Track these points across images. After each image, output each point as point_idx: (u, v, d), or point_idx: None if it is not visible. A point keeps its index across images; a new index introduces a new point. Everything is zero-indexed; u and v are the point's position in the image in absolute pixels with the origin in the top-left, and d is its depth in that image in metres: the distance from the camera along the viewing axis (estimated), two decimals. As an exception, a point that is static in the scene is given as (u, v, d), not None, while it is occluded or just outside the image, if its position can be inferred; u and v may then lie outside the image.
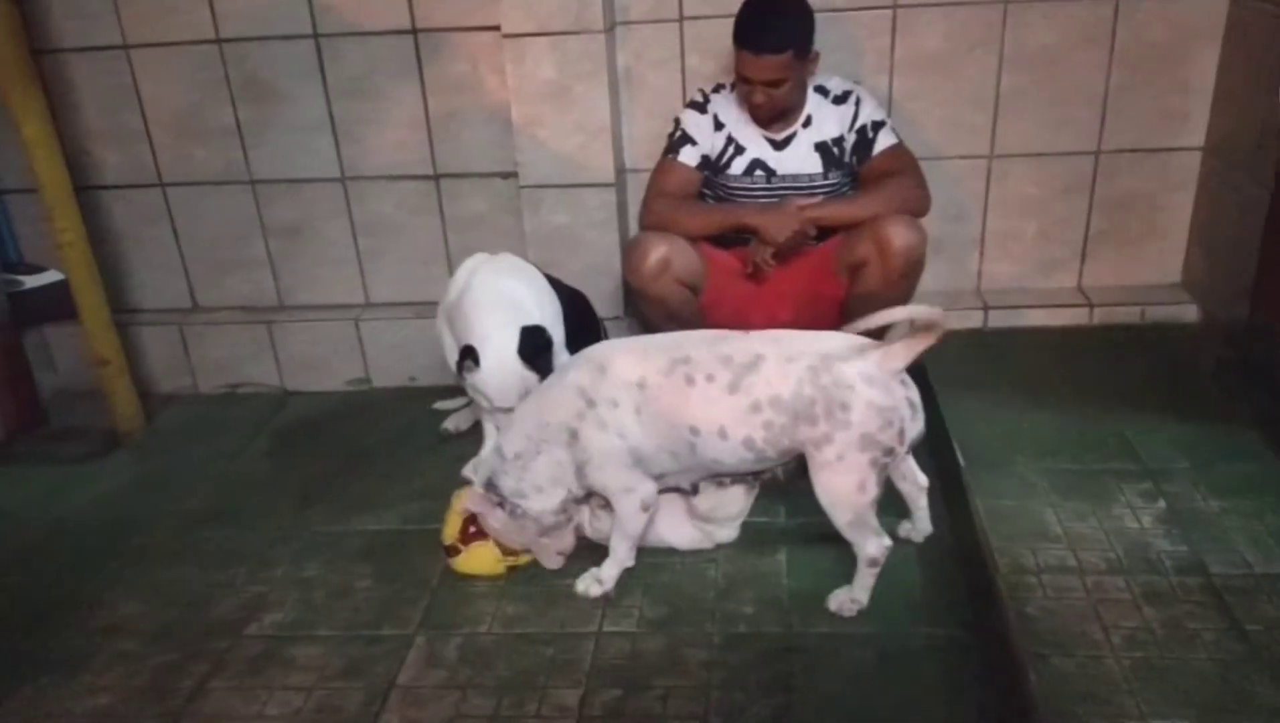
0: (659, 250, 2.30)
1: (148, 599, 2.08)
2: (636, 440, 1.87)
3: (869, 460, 1.74)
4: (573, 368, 1.94)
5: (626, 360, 1.88)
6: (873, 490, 1.78)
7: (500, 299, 2.19)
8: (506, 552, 2.04)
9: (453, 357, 2.25)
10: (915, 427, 1.78)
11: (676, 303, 2.36)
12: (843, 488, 1.77)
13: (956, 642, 1.80)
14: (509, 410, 2.15)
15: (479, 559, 2.05)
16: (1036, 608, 1.68)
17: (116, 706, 1.80)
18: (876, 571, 1.86)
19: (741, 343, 1.84)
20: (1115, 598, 1.69)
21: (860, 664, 1.76)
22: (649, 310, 2.40)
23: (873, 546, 1.83)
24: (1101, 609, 1.67)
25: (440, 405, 2.74)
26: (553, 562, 2.05)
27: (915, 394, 1.79)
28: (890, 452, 1.75)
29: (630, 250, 2.35)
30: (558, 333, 2.30)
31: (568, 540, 2.05)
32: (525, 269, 2.35)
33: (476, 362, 2.11)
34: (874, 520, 1.82)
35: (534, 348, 2.13)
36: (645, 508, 1.94)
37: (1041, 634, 1.62)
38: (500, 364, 2.11)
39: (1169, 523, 1.87)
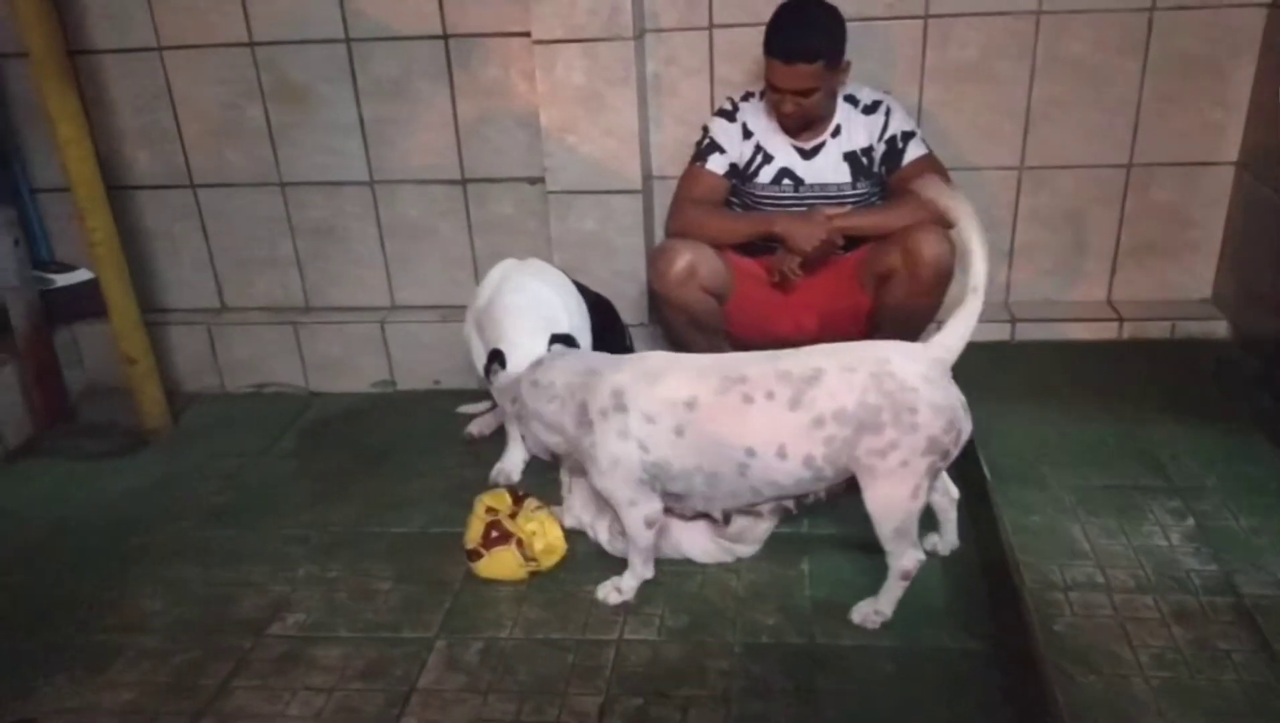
0: (684, 257, 2.30)
1: (172, 596, 2.10)
2: (664, 458, 1.82)
3: (928, 465, 1.71)
4: (625, 366, 1.89)
5: (679, 379, 1.82)
6: (924, 497, 1.76)
7: (530, 304, 2.19)
8: (528, 558, 2.04)
9: (481, 360, 2.26)
10: (968, 427, 1.76)
11: (701, 311, 2.36)
12: (899, 496, 1.74)
13: (980, 656, 1.78)
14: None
15: (501, 564, 2.05)
16: (1064, 625, 1.66)
17: (140, 702, 1.81)
18: (906, 584, 1.83)
19: (797, 358, 1.80)
20: (1144, 617, 1.67)
21: (883, 676, 1.75)
22: (673, 317, 2.40)
23: (909, 558, 1.80)
24: (1130, 628, 1.65)
25: (465, 409, 2.75)
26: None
27: (961, 395, 1.77)
28: (947, 455, 1.73)
29: (656, 257, 2.35)
30: (584, 339, 2.31)
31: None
32: (554, 275, 2.36)
33: (503, 365, 2.11)
34: (915, 532, 1.80)
35: None
36: (649, 525, 1.91)
37: (1068, 652, 1.60)
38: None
39: (1199, 541, 1.84)
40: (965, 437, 1.76)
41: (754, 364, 1.80)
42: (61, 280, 2.90)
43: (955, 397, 1.74)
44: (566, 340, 2.14)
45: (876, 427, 1.70)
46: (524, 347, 2.10)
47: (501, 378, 2.10)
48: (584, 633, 1.91)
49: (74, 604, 2.09)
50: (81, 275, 2.90)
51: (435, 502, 2.36)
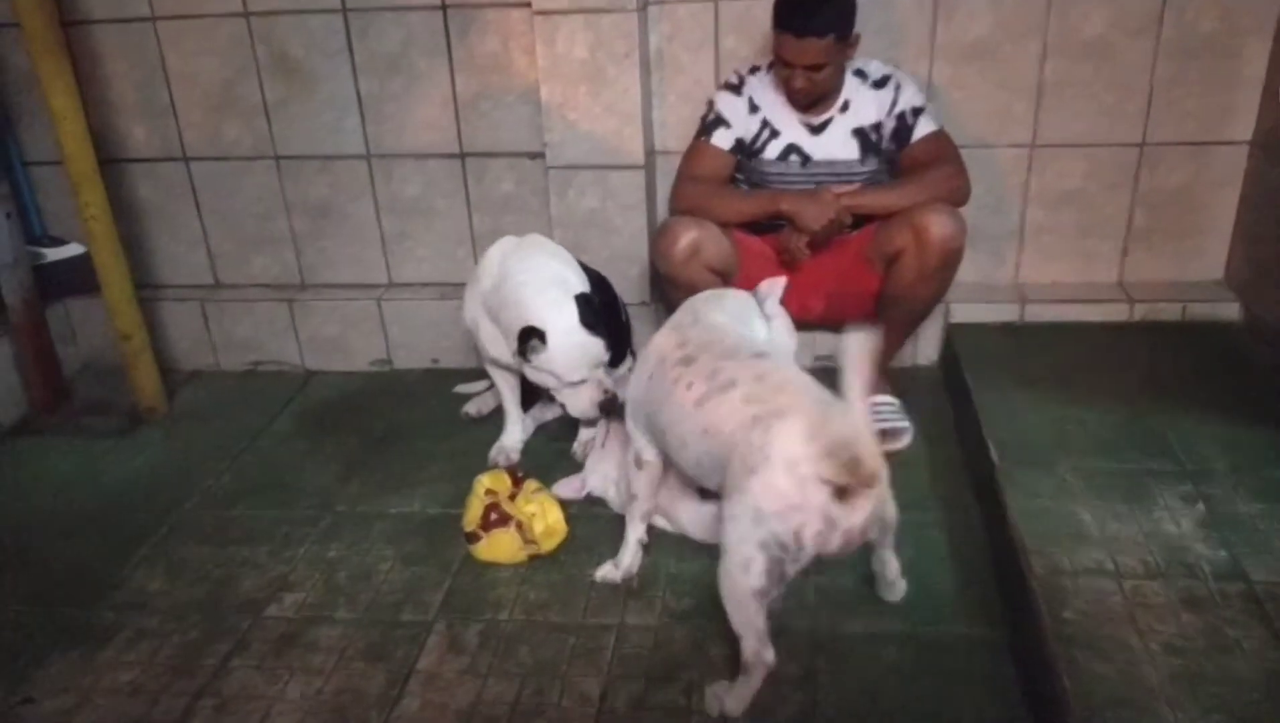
0: (689, 235, 2.26)
1: (172, 577, 2.08)
2: (637, 398, 1.87)
3: (758, 543, 1.52)
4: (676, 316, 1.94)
5: (664, 333, 1.86)
6: (758, 579, 1.54)
7: (545, 277, 2.16)
8: (528, 540, 2.02)
9: (493, 344, 2.23)
10: (829, 542, 1.51)
11: (705, 289, 2.32)
12: (729, 554, 1.57)
13: (988, 642, 1.77)
14: (580, 382, 2.13)
15: (500, 546, 2.03)
16: (1072, 611, 1.64)
17: (141, 681, 1.80)
18: (752, 683, 1.62)
19: (737, 365, 1.68)
20: (1153, 603, 1.65)
21: (889, 663, 1.73)
22: (677, 297, 2.35)
23: (749, 647, 1.59)
24: (1139, 614, 1.63)
25: (462, 388, 2.73)
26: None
27: (852, 516, 1.50)
28: (786, 549, 1.51)
29: (660, 235, 2.31)
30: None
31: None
32: (554, 247, 2.33)
33: (544, 340, 2.08)
34: (759, 620, 1.58)
35: (594, 314, 2.11)
36: (638, 465, 1.92)
37: (1077, 638, 1.58)
38: (568, 340, 2.09)
39: (1209, 527, 1.82)
40: (827, 549, 1.52)
41: (709, 351, 1.74)
42: (53, 255, 2.86)
43: (814, 502, 1.48)
44: (589, 299, 2.12)
45: (729, 464, 1.59)
46: (555, 318, 2.07)
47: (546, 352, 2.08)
48: (585, 616, 1.89)
49: (73, 584, 2.07)
50: (73, 250, 2.86)
51: (435, 482, 2.34)
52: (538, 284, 2.14)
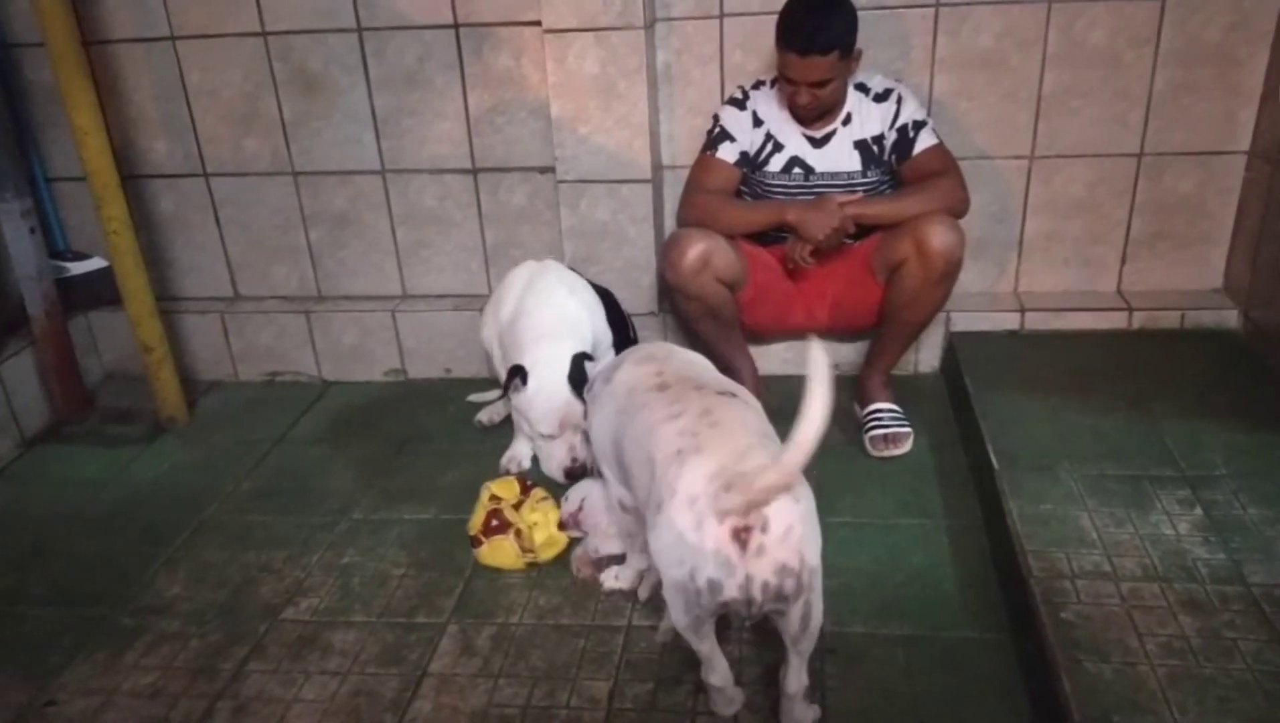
0: (698, 247, 2.30)
1: (193, 581, 2.13)
2: (604, 438, 1.79)
3: (670, 582, 1.49)
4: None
5: (632, 368, 1.79)
6: (681, 615, 1.51)
7: (554, 321, 2.22)
8: (526, 549, 2.05)
9: (503, 372, 2.29)
10: (725, 589, 1.42)
11: (715, 301, 2.36)
12: (665, 591, 1.54)
13: (992, 645, 1.79)
14: (548, 437, 2.19)
15: (500, 553, 2.07)
16: (1072, 614, 1.67)
17: (161, 684, 1.85)
18: (720, 705, 1.63)
19: (700, 398, 1.62)
20: (1151, 606, 1.68)
21: (897, 667, 1.76)
22: (687, 308, 2.40)
23: (705, 667, 1.61)
24: (1137, 617, 1.65)
25: (474, 398, 2.77)
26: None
27: (751, 564, 1.40)
28: (686, 591, 1.45)
29: (669, 247, 2.36)
30: (606, 338, 2.33)
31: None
32: (573, 280, 2.37)
33: (524, 381, 2.14)
34: (703, 646, 1.56)
35: (584, 377, 2.14)
36: (622, 508, 1.85)
37: (1077, 640, 1.61)
38: (548, 389, 2.16)
39: (1207, 531, 1.85)
40: (711, 593, 1.43)
41: (684, 382, 1.68)
42: (77, 269, 2.92)
43: (709, 545, 1.40)
44: (581, 361, 2.17)
45: (651, 496, 1.54)
46: (545, 365, 2.16)
47: (524, 394, 2.13)
48: (594, 619, 1.93)
49: (96, 588, 2.12)
50: (96, 264, 2.92)
51: (449, 489, 2.38)
52: (543, 328, 2.20)
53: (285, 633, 1.95)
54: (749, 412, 1.64)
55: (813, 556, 1.46)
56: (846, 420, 2.55)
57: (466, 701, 1.75)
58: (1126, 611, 1.67)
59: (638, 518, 1.76)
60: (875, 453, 2.38)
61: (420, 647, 1.89)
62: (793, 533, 1.41)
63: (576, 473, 2.22)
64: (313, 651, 1.90)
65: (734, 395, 1.68)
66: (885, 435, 2.39)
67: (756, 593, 1.42)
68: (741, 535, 1.39)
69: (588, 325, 2.26)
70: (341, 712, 1.75)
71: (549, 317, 2.22)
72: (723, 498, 1.39)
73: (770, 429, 1.64)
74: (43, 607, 2.08)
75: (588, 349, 2.26)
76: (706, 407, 1.59)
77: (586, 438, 2.01)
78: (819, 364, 1.34)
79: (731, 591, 1.42)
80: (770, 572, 1.41)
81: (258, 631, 1.96)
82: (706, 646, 1.58)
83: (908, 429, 2.41)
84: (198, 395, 2.95)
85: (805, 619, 1.51)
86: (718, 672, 1.62)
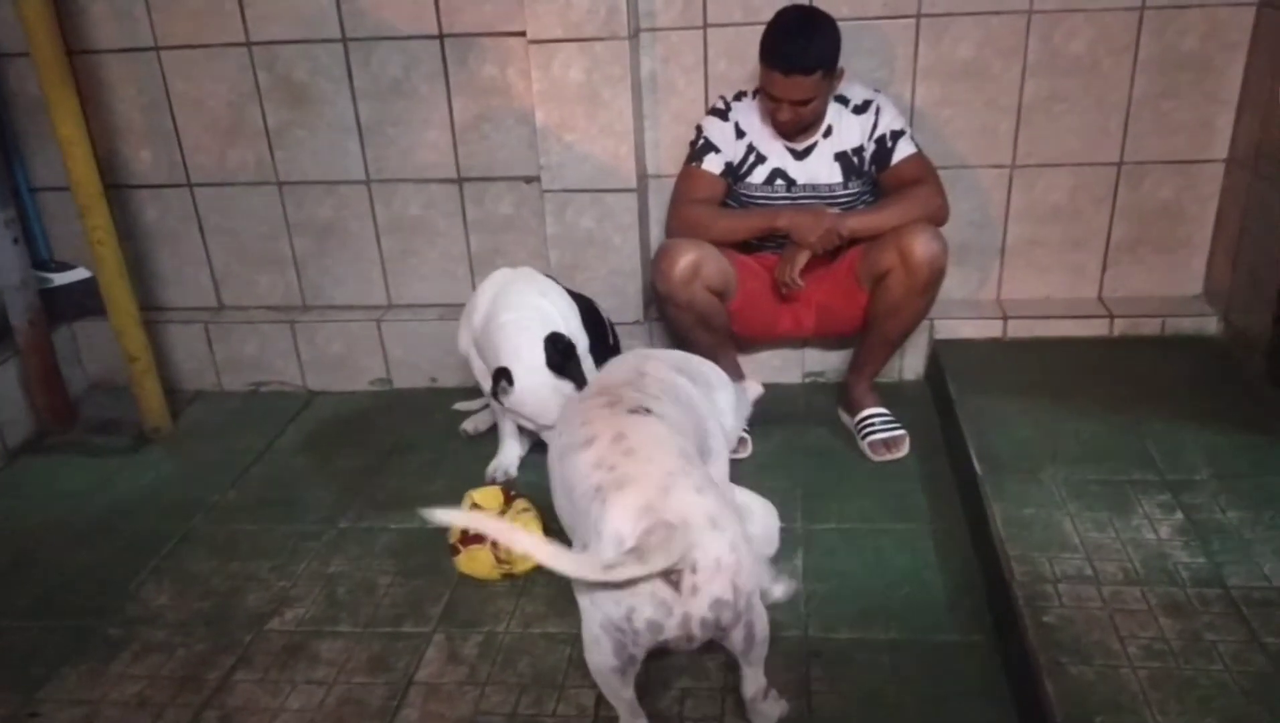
0: (689, 256, 2.31)
1: (178, 591, 2.12)
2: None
3: (599, 622, 1.43)
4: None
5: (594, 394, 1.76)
6: (607, 658, 1.45)
7: (526, 319, 2.22)
8: (501, 560, 2.05)
9: (484, 379, 2.30)
10: (665, 629, 1.39)
11: (706, 310, 2.38)
12: (584, 626, 1.49)
13: (976, 648, 1.81)
14: (551, 427, 2.17)
15: (477, 562, 2.07)
16: (1054, 617, 1.68)
17: (147, 694, 1.84)
18: None
19: (612, 420, 1.58)
20: (1133, 608, 1.69)
21: (882, 671, 1.77)
22: (678, 317, 2.41)
23: (622, 717, 1.58)
24: (1119, 619, 1.67)
25: (460, 406, 2.77)
26: None
27: (687, 603, 1.38)
28: (623, 632, 1.41)
29: (660, 257, 2.36)
30: (581, 343, 2.34)
31: None
32: (545, 284, 2.38)
33: (511, 382, 2.14)
34: (624, 692, 1.52)
35: (560, 356, 2.18)
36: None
37: (1060, 643, 1.62)
38: (533, 381, 2.17)
39: (1187, 534, 1.87)
40: (650, 634, 1.40)
41: (605, 393, 1.69)
42: (60, 279, 2.91)
43: (636, 586, 1.37)
44: (556, 339, 2.19)
45: (576, 532, 1.54)
46: (524, 359, 2.16)
47: (513, 395, 2.14)
48: (581, 627, 1.92)
49: (81, 598, 2.12)
50: (80, 274, 2.92)
51: (435, 498, 2.32)
52: (515, 326, 2.21)
53: (271, 643, 1.95)
54: (663, 428, 1.59)
55: (747, 581, 1.43)
56: (834, 427, 2.57)
57: (453, 709, 1.75)
58: (1108, 613, 1.69)
59: None
60: (876, 458, 2.41)
61: (407, 655, 1.89)
62: (722, 565, 1.39)
63: None
64: (299, 660, 1.90)
65: (648, 411, 1.62)
66: (885, 441, 2.41)
67: (695, 629, 1.41)
68: (672, 577, 1.37)
69: (560, 326, 2.27)
70: (328, 721, 1.75)
71: (520, 317, 2.23)
72: (646, 542, 1.34)
73: (690, 444, 1.59)
74: (27, 618, 2.07)
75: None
76: (619, 431, 1.55)
77: None
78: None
79: (672, 629, 1.40)
80: (706, 608, 1.39)
81: (244, 640, 1.95)
82: (628, 694, 1.53)
83: (903, 432, 2.44)
84: (182, 406, 2.94)
85: (749, 638, 1.50)
86: (640, 715, 1.58)
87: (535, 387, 2.18)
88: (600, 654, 1.46)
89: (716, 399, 1.97)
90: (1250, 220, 2.50)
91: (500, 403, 2.22)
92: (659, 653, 1.61)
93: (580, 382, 2.21)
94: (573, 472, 1.54)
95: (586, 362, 2.37)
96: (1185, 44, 2.51)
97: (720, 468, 1.81)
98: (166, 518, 2.38)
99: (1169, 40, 2.51)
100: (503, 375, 2.16)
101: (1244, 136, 2.54)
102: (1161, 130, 2.60)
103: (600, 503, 1.44)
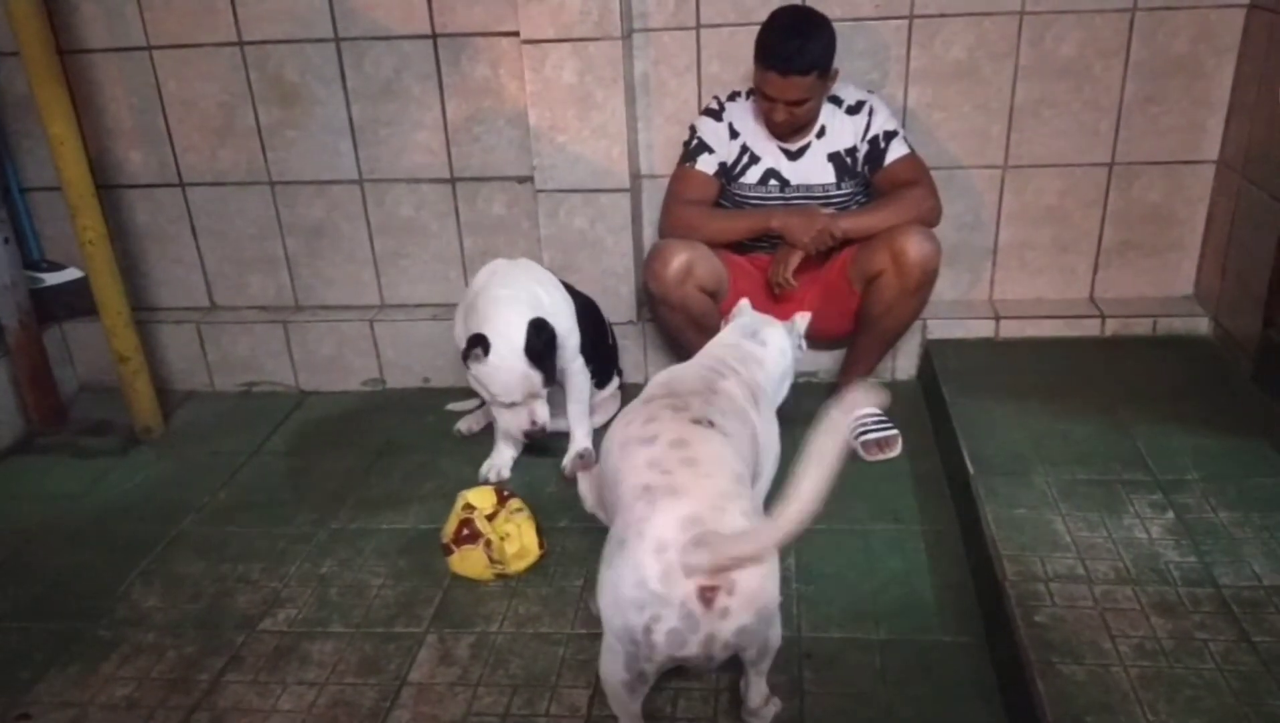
0: (681, 257, 2.32)
1: (168, 592, 2.11)
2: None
3: (616, 630, 1.41)
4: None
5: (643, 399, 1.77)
6: (619, 672, 1.44)
7: (518, 297, 2.21)
8: (494, 560, 2.05)
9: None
10: (685, 644, 1.37)
11: (698, 310, 2.38)
12: (605, 630, 1.47)
13: (967, 649, 1.81)
14: (510, 405, 2.18)
15: (470, 562, 2.06)
16: (1046, 616, 1.68)
17: (137, 696, 1.83)
18: None
19: (674, 424, 1.59)
20: (1124, 608, 1.70)
21: (871, 670, 1.77)
22: (670, 317, 2.42)
23: None
24: (1110, 619, 1.68)
25: (453, 407, 2.77)
26: None
27: (716, 623, 1.37)
28: (637, 644, 1.39)
29: (652, 257, 2.37)
30: (573, 340, 2.33)
31: None
32: (542, 273, 2.38)
33: (485, 351, 2.12)
34: (632, 707, 1.51)
35: (541, 343, 2.14)
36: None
37: (1051, 643, 1.63)
38: (507, 361, 2.14)
39: (1178, 534, 1.88)
40: (680, 654, 1.39)
41: (673, 395, 1.71)
42: (52, 279, 2.90)
43: (677, 595, 1.35)
44: (541, 326, 2.15)
45: (613, 526, 1.52)
46: (505, 334, 2.13)
47: (484, 365, 2.13)
48: (574, 627, 1.93)
49: (71, 600, 2.10)
50: (71, 274, 2.91)
51: (428, 499, 2.38)
52: (506, 301, 2.19)
53: (263, 644, 1.94)
54: (726, 448, 1.59)
55: (773, 606, 1.43)
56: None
57: (446, 710, 1.75)
58: (1100, 613, 1.69)
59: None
60: (869, 458, 2.41)
61: (399, 657, 1.88)
62: (758, 596, 1.38)
63: (535, 435, 2.26)
64: (290, 661, 1.89)
65: (711, 424, 1.62)
66: (878, 440, 2.42)
67: (718, 652, 1.40)
68: (707, 594, 1.35)
69: (549, 310, 2.24)
70: (320, 722, 1.74)
71: (513, 295, 2.21)
72: (692, 553, 1.34)
73: (745, 469, 1.60)
74: (16, 620, 2.06)
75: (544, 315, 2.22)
76: (680, 437, 1.55)
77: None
78: (829, 440, 1.29)
79: (693, 647, 1.38)
80: (732, 633, 1.38)
81: (235, 642, 1.95)
82: (635, 709, 1.52)
83: (896, 432, 2.44)
84: (174, 406, 2.93)
85: (763, 652, 1.51)
86: None
87: (508, 364, 2.13)
88: (612, 664, 1.45)
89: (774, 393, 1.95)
90: (1239, 223, 2.51)
91: (468, 367, 2.18)
92: (672, 673, 1.62)
93: (550, 376, 2.21)
94: (627, 464, 1.54)
95: (577, 362, 2.37)
96: (1176, 47, 2.53)
97: (764, 488, 1.81)
98: (157, 519, 2.37)
99: (1160, 43, 2.52)
100: (479, 342, 2.12)
101: (1234, 139, 2.55)
102: (1152, 132, 2.61)
103: (648, 505, 1.42)
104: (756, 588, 1.38)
